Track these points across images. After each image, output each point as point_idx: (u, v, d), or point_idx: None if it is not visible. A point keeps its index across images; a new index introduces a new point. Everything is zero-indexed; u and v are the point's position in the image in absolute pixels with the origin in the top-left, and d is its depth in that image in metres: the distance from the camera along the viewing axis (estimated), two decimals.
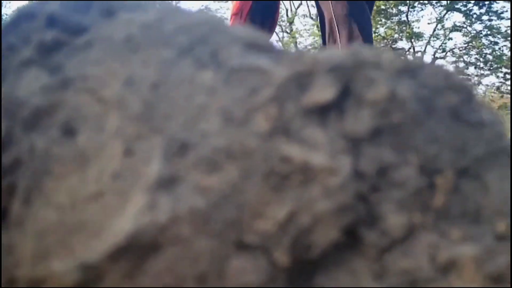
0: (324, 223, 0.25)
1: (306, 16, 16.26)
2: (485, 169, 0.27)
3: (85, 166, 0.27)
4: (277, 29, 15.93)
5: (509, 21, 13.61)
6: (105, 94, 0.28)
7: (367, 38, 2.42)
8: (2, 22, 0.35)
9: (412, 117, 0.27)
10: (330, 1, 2.48)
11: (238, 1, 2.75)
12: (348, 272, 0.26)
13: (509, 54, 13.51)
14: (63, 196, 0.26)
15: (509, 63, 13.24)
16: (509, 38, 13.54)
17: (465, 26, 14.24)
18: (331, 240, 0.25)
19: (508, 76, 13.73)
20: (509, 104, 13.29)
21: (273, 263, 0.25)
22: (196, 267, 0.25)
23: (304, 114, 0.27)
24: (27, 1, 0.37)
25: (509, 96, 13.62)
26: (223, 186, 0.25)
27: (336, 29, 2.47)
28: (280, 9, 2.69)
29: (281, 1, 2.71)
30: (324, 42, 2.55)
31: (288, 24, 15.55)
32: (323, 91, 0.27)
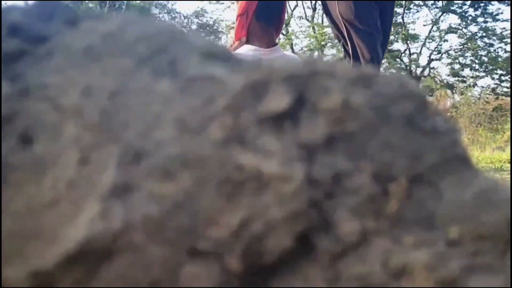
0: (277, 230, 0.26)
1: (302, 18, 16.26)
2: (439, 176, 0.28)
3: (41, 174, 0.27)
4: None
5: (504, 23, 13.62)
6: (63, 102, 0.28)
7: (372, 42, 2.41)
8: None
9: (366, 125, 0.28)
10: (336, 1, 2.48)
11: (243, 2, 2.73)
12: (302, 278, 0.26)
13: (504, 56, 13.53)
14: (19, 204, 0.27)
15: (504, 64, 13.26)
16: (504, 40, 13.56)
17: (460, 28, 14.28)
18: (284, 246, 0.26)
19: (504, 78, 13.75)
20: (504, 106, 13.31)
21: (226, 269, 0.26)
22: (149, 274, 0.25)
23: (259, 123, 0.27)
24: (27, 1, 0.37)
25: (504, 98, 13.64)
26: (177, 194, 0.26)
27: (344, 29, 2.46)
28: (286, 9, 2.68)
29: (286, 1, 2.70)
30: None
31: (284, 26, 15.57)
32: (278, 100, 0.27)
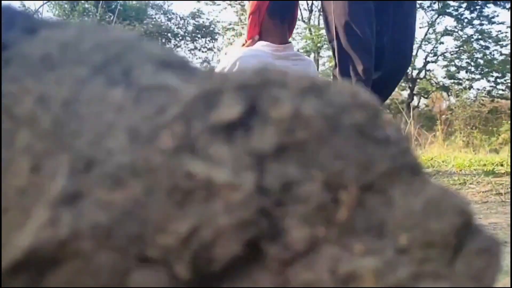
0: (226, 237, 0.26)
1: (298, 19, 16.30)
2: (390, 184, 0.28)
3: None
4: None
5: (500, 25, 13.65)
6: (17, 111, 0.29)
7: (366, 43, 2.39)
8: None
9: (317, 135, 0.28)
10: (331, 2, 2.47)
11: (255, 0, 2.73)
12: (251, 284, 0.27)
13: (500, 58, 13.55)
14: None
15: (500, 67, 13.28)
16: (500, 43, 13.58)
17: (456, 30, 14.31)
18: (233, 254, 0.26)
19: (499, 80, 13.78)
20: (499, 108, 13.32)
21: (174, 276, 0.26)
22: (97, 280, 0.25)
23: (211, 132, 0.27)
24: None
25: (499, 100, 13.67)
26: (126, 202, 0.26)
27: (334, 30, 2.45)
28: (298, 6, 2.67)
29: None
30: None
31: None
32: (229, 109, 0.28)
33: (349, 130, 0.28)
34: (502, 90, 14.32)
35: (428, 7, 14.65)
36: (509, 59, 13.69)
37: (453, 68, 14.77)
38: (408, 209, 0.28)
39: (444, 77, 14.98)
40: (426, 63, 14.71)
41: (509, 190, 1.89)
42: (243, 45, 2.84)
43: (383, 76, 2.27)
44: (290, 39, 2.98)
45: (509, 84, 14.19)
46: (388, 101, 14.17)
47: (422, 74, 14.83)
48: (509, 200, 1.67)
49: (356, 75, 2.41)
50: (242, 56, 2.53)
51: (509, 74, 13.98)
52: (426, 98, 15.52)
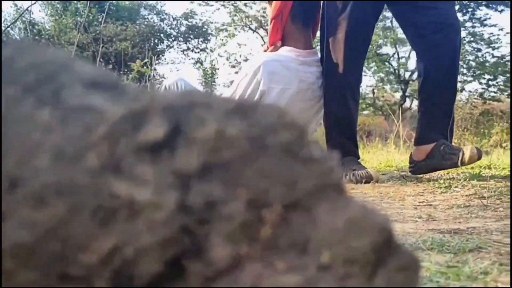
0: (148, 255, 0.27)
1: None
2: (314, 202, 0.29)
3: None
4: (262, 33, 15.99)
5: (492, 28, 13.71)
6: None
7: (355, 42, 2.39)
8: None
9: (242, 154, 0.29)
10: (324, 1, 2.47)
11: (278, 2, 2.62)
12: None
13: (491, 61, 13.62)
14: None
15: (492, 69, 13.34)
16: (492, 45, 13.64)
17: None
18: (156, 271, 0.27)
19: (491, 83, 13.84)
20: (491, 110, 13.38)
21: None
22: None
23: (136, 152, 0.28)
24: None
25: (491, 102, 13.72)
26: (50, 221, 0.27)
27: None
28: (320, 9, 2.63)
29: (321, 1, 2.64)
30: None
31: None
32: (155, 130, 0.28)
33: (275, 150, 0.29)
34: (494, 92, 14.37)
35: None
36: (501, 61, 13.74)
37: None
38: (331, 227, 0.28)
39: None
40: None
41: (493, 194, 1.90)
42: (265, 51, 2.74)
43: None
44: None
45: (501, 87, 14.24)
46: (380, 102, 14.17)
47: (414, 76, 14.87)
48: (491, 204, 1.67)
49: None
50: (266, 60, 2.50)
51: (501, 76, 14.02)
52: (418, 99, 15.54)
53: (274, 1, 2.69)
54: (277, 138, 0.29)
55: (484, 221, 1.35)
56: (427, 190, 2.13)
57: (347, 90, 2.54)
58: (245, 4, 15.49)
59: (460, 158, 2.12)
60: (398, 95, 14.41)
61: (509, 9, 13.29)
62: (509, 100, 14.40)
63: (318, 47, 2.69)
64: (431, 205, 1.76)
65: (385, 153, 5.10)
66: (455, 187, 2.14)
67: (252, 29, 15.89)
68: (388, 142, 5.77)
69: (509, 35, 13.27)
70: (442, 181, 2.24)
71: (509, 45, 13.80)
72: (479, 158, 2.15)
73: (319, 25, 2.70)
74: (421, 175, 2.76)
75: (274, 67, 2.51)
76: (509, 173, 2.38)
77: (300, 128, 0.30)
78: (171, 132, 0.29)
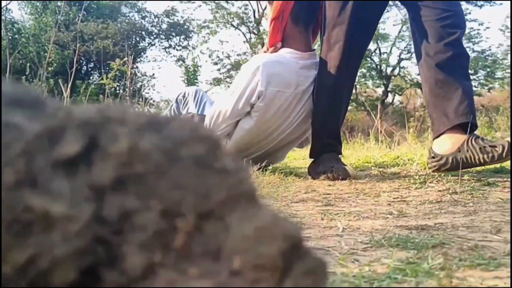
0: (62, 265, 0.28)
1: None
2: (227, 211, 0.31)
3: None
4: (244, 29, 16.01)
5: (472, 23, 13.84)
6: None
7: (355, 43, 2.36)
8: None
9: (155, 167, 0.30)
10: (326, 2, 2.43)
11: (278, 3, 2.59)
12: None
13: (472, 55, 13.74)
14: None
15: (472, 64, 13.46)
16: (472, 40, 13.77)
17: None
18: (70, 280, 0.28)
19: (471, 77, 13.96)
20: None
21: None
22: None
23: (52, 167, 0.29)
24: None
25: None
26: None
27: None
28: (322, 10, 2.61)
29: (321, 1, 2.59)
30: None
31: (255, 25, 15.64)
32: (70, 145, 0.30)
33: (188, 162, 0.31)
34: (475, 86, 14.49)
35: (401, 4, 14.77)
36: (481, 56, 13.87)
37: None
38: (242, 235, 0.30)
39: (418, 74, 15.11)
40: (400, 60, 14.84)
41: (465, 189, 1.93)
42: (265, 52, 2.72)
43: None
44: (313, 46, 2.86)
45: (481, 81, 14.37)
46: (362, 98, 14.22)
47: (396, 71, 14.95)
48: (462, 200, 1.70)
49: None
50: (266, 61, 2.49)
51: (481, 71, 14.15)
52: (400, 95, 15.67)
53: (274, 1, 2.65)
54: (190, 151, 0.31)
55: (452, 217, 1.38)
56: (403, 186, 2.16)
57: (340, 91, 2.52)
58: (226, 1, 15.47)
59: (502, 152, 1.89)
60: (380, 90, 14.50)
61: (489, 4, 13.40)
62: (490, 94, 14.53)
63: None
64: (405, 201, 1.79)
65: (365, 149, 5.14)
66: (430, 182, 2.17)
67: (234, 26, 15.90)
68: (370, 138, 5.80)
69: (489, 30, 13.38)
70: (417, 177, 2.27)
71: (489, 39, 13.91)
72: None
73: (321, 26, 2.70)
74: (399, 172, 2.79)
75: (274, 68, 2.50)
76: (484, 168, 2.39)
77: (213, 141, 0.31)
78: (87, 147, 0.30)
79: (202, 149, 0.31)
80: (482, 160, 1.97)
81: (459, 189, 1.90)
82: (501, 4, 12.99)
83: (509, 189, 1.88)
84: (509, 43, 15.19)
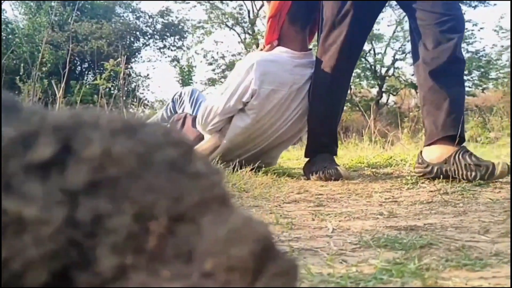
0: (35, 267, 0.28)
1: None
2: (200, 214, 0.31)
3: None
4: (239, 30, 16.01)
5: (466, 23, 13.91)
6: None
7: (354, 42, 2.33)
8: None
9: (128, 171, 0.31)
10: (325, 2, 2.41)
11: (276, 2, 2.59)
12: None
13: (466, 56, 13.79)
14: None
15: (466, 65, 13.50)
16: (466, 41, 13.81)
17: None
18: (42, 282, 0.29)
19: (466, 78, 14.02)
20: (466, 105, 13.56)
21: None
22: None
23: (26, 171, 0.30)
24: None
25: (466, 97, 13.89)
26: None
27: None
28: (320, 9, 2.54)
29: (320, 0, 2.57)
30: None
31: (250, 25, 15.65)
32: (44, 149, 0.30)
33: (161, 166, 0.31)
34: (469, 87, 14.54)
35: (396, 5, 14.82)
36: (475, 56, 13.92)
37: None
38: (214, 237, 0.30)
39: (412, 75, 15.17)
40: (395, 60, 14.88)
41: (456, 190, 1.94)
42: (261, 50, 2.72)
43: None
44: (310, 46, 2.84)
45: (475, 82, 14.41)
46: (357, 98, 14.24)
47: (390, 72, 14.99)
48: (453, 200, 1.71)
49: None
50: (260, 60, 2.48)
51: (475, 72, 14.18)
52: (395, 95, 15.70)
53: (272, 0, 2.64)
54: (163, 155, 0.31)
55: (442, 217, 1.39)
56: (395, 187, 2.17)
57: (337, 92, 2.52)
58: (221, 2, 15.46)
59: (488, 173, 1.92)
60: (374, 90, 14.53)
61: (483, 5, 13.46)
62: (484, 94, 14.56)
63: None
64: (396, 201, 1.79)
65: (359, 150, 5.15)
66: (422, 183, 2.18)
67: (228, 27, 15.90)
68: (364, 138, 5.81)
69: (483, 31, 13.44)
70: (409, 178, 2.28)
71: (483, 40, 13.96)
72: (509, 173, 1.90)
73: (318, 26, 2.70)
74: (391, 172, 2.80)
75: (268, 67, 2.50)
76: None
77: (186, 146, 0.32)
78: (60, 151, 0.30)
79: (175, 153, 0.32)
80: (465, 177, 2.00)
81: (450, 190, 1.91)
82: (495, 4, 13.04)
83: (500, 190, 1.89)
84: (503, 43, 15.25)
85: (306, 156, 2.66)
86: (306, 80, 2.60)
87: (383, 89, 14.63)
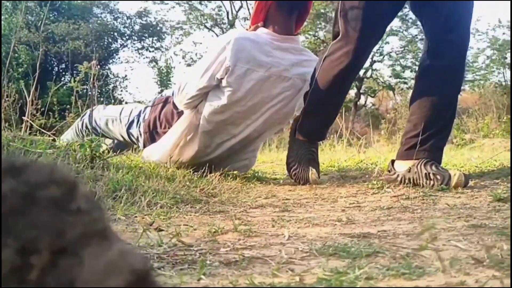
0: None
1: (247, 19, 16.34)
2: (81, 248, 0.33)
3: None
4: (218, 31, 16.01)
5: None
6: None
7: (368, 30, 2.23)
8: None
9: (12, 209, 0.33)
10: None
11: None
12: None
13: None
14: None
15: None
16: None
17: (401, 30, 14.65)
18: None
19: None
20: None
21: None
22: None
23: None
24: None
25: None
26: None
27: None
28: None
29: None
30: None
31: (229, 26, 15.65)
32: None
33: (44, 204, 0.33)
34: None
35: (414, 14, 14.96)
36: None
37: (398, 68, 15.11)
38: (93, 269, 0.32)
39: (390, 76, 15.31)
40: (373, 62, 14.99)
41: (419, 195, 1.97)
42: (247, 30, 2.68)
43: None
44: (298, 33, 2.78)
45: None
46: None
47: (369, 74, 15.09)
48: (412, 206, 1.74)
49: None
50: (237, 37, 2.42)
51: None
52: (373, 97, 15.81)
53: None
54: (46, 193, 0.33)
55: (397, 224, 1.41)
56: (360, 191, 2.19)
57: (346, 81, 2.46)
58: (200, 3, 15.44)
59: (444, 183, 2.01)
60: (352, 92, 14.62)
61: None
62: (460, 96, 14.69)
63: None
64: (359, 206, 1.82)
65: (333, 152, 5.17)
66: (387, 187, 2.21)
67: (207, 28, 15.89)
68: (343, 139, 5.84)
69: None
70: (375, 182, 2.30)
71: None
72: (465, 185, 2.00)
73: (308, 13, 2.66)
74: (360, 176, 2.83)
75: (244, 45, 2.42)
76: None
77: (70, 183, 0.34)
78: None
79: (58, 191, 0.34)
80: (425, 184, 2.09)
81: (412, 195, 1.95)
82: None
83: (460, 195, 1.93)
84: (479, 46, 15.43)
85: (291, 135, 2.56)
86: (288, 65, 2.52)
87: (361, 91, 14.73)
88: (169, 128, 2.74)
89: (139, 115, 2.93)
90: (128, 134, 2.97)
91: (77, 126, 3.27)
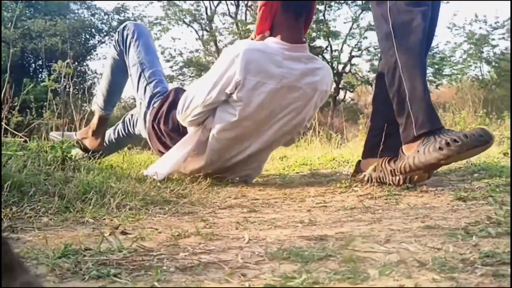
0: None
1: (226, 15, 16.29)
2: None
3: None
4: (197, 27, 15.96)
5: None
6: None
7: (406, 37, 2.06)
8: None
9: None
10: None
11: None
12: None
13: None
14: None
15: None
16: None
17: None
18: None
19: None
20: None
21: None
22: None
23: None
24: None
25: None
26: None
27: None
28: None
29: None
30: None
31: (207, 22, 15.61)
32: None
33: None
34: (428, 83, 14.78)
35: (352, 2, 14.97)
36: (429, 53, 14.16)
37: (377, 62, 15.18)
38: None
39: (369, 71, 15.39)
40: (351, 57, 15.05)
41: (384, 194, 2.00)
42: (252, 39, 2.48)
43: None
44: (306, 39, 2.59)
45: (430, 78, 14.70)
46: None
47: (347, 68, 15.15)
48: (374, 206, 1.77)
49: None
50: (247, 49, 2.26)
51: (429, 68, 14.44)
52: (352, 92, 15.88)
53: None
54: None
55: (356, 225, 1.44)
56: (329, 190, 2.22)
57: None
58: None
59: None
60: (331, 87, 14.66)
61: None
62: (438, 90, 14.88)
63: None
64: (325, 206, 1.85)
65: (308, 149, 5.18)
66: (355, 186, 2.24)
67: (186, 23, 15.82)
68: (321, 135, 5.87)
69: (436, 28, 13.70)
70: (344, 181, 2.33)
71: (436, 37, 14.26)
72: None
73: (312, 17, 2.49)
74: (331, 174, 2.85)
75: (254, 57, 2.27)
76: None
77: None
78: None
79: None
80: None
81: (377, 194, 1.98)
82: (447, 2, 13.31)
83: (424, 194, 1.97)
84: (456, 40, 15.56)
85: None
86: (298, 76, 2.37)
87: (340, 86, 14.79)
88: (172, 129, 2.63)
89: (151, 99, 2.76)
90: (145, 116, 2.78)
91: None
